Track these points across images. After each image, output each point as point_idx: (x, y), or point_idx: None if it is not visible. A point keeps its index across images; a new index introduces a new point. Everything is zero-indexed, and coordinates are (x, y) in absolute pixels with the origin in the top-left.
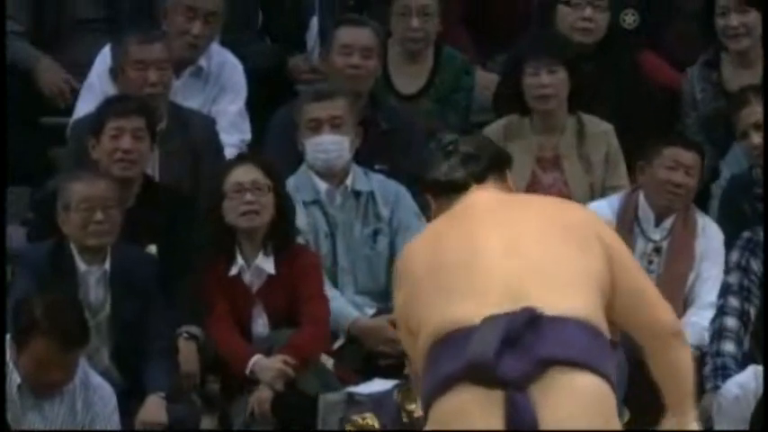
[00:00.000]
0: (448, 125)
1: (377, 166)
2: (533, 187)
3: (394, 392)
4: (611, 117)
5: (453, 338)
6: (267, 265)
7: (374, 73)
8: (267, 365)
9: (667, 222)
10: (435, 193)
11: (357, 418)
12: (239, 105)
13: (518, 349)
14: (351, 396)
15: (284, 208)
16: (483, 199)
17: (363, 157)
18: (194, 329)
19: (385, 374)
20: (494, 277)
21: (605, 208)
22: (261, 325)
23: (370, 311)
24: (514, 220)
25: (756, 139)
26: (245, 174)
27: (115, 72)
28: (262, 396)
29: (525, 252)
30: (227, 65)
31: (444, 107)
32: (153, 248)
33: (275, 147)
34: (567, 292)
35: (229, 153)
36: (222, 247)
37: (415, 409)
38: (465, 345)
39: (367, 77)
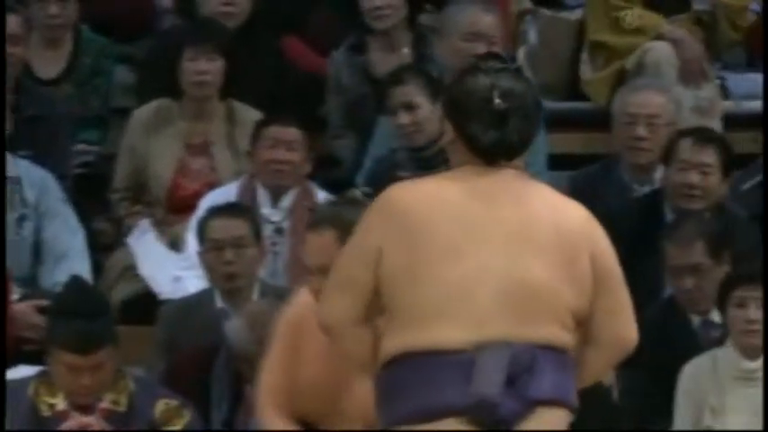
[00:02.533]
0: (89, 109)
1: (21, 153)
2: (181, 173)
3: (28, 387)
4: (256, 103)
5: (444, 361)
6: None
7: (21, 59)
8: None
9: (285, 203)
10: (476, 155)
11: None
12: None
13: (515, 388)
14: None
15: None
16: (510, 189)
17: (7, 144)
18: None
19: (29, 361)
20: (488, 294)
21: (222, 195)
22: None
23: (14, 296)
24: (524, 228)
25: (404, 118)
26: None
27: None
28: None
29: (525, 269)
30: None
31: (84, 91)
32: None
33: None
34: (552, 321)
35: None
36: None
37: (58, 401)
38: (462, 375)
39: (14, 64)
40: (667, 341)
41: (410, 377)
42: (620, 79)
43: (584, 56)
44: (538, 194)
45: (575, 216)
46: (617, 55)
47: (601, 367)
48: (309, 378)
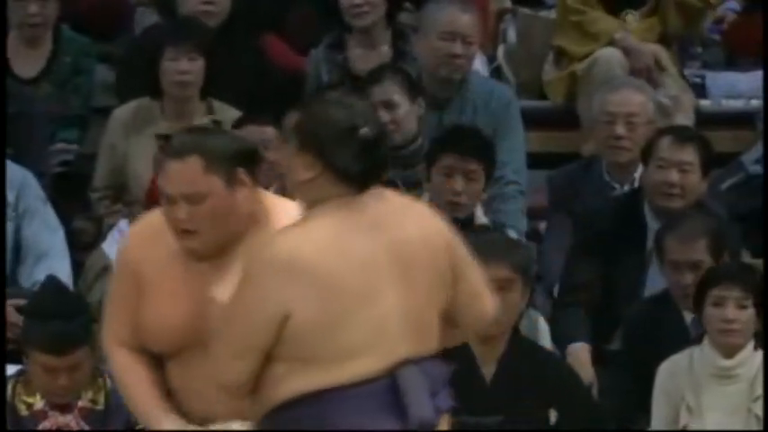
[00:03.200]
0: (69, 108)
1: None
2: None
3: (8, 386)
4: (235, 102)
5: (364, 391)
6: None
7: None
8: None
9: None
10: (342, 181)
11: None
12: None
13: (433, 403)
14: None
15: None
16: (381, 214)
17: None
18: None
19: (9, 360)
20: (395, 327)
21: None
22: None
23: None
24: (402, 252)
25: (383, 116)
26: None
27: None
28: None
29: (411, 294)
30: None
31: (65, 90)
32: None
33: None
34: (432, 335)
35: None
36: None
37: (35, 401)
38: (385, 400)
39: None
40: (660, 336)
41: (333, 410)
42: (574, 82)
43: (550, 56)
44: (400, 209)
45: (427, 217)
46: (575, 58)
47: (463, 339)
48: (163, 314)
